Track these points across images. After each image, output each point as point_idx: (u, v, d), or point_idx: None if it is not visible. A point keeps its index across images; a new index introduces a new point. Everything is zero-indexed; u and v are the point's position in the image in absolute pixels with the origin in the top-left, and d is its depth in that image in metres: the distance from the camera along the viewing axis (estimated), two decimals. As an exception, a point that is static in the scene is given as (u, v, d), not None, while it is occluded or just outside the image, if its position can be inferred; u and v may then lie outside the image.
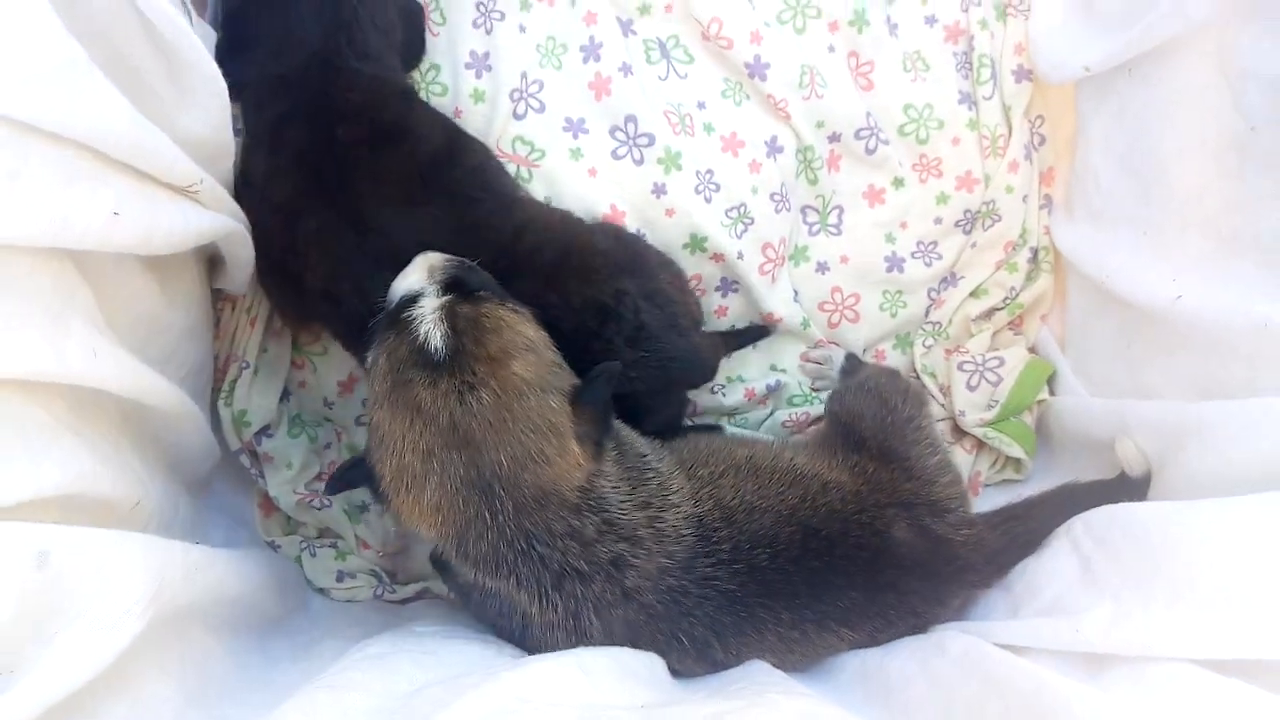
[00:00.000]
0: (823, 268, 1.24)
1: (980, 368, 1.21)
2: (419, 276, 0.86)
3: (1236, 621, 0.74)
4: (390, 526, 1.13)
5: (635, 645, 0.87)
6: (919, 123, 1.23)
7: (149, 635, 0.66)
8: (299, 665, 0.85)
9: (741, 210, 1.17)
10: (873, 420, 1.02)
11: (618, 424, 0.94)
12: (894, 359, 1.26)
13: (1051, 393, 1.20)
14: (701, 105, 1.17)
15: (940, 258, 1.25)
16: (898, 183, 1.24)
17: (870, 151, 1.21)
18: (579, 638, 0.85)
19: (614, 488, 0.87)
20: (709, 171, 1.15)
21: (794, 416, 1.22)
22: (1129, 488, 0.99)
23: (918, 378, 1.24)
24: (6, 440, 0.59)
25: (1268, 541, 0.74)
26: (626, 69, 1.13)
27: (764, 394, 1.21)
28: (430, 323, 0.82)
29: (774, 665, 0.91)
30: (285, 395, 1.16)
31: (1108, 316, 1.11)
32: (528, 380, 0.82)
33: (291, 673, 0.83)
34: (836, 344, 1.24)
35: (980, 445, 1.21)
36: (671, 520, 0.89)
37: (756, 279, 1.18)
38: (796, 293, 1.23)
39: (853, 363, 1.19)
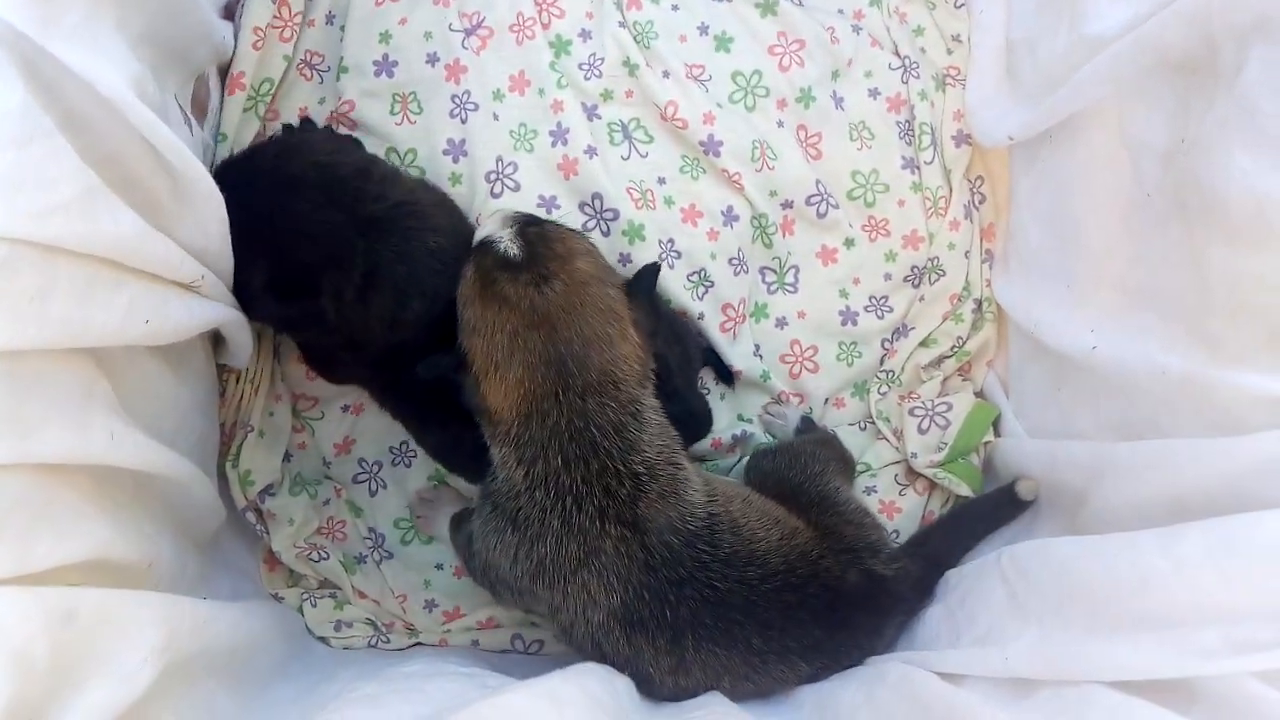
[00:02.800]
0: (782, 323, 1.33)
1: (930, 412, 1.30)
2: (494, 222, 1.04)
3: (1143, 645, 0.82)
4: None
5: (629, 592, 0.96)
6: (866, 187, 1.34)
7: (162, 682, 0.75)
8: (298, 707, 0.94)
9: (702, 274, 1.27)
10: (798, 478, 1.14)
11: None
12: (853, 406, 1.35)
13: (997, 434, 1.29)
14: (662, 180, 1.27)
15: (891, 310, 1.35)
16: (849, 243, 1.34)
17: (821, 215, 1.32)
18: (589, 555, 0.96)
19: (653, 441, 1.00)
20: (670, 240, 1.26)
21: (760, 463, 1.31)
22: (1014, 505, 1.17)
23: (874, 423, 1.33)
24: (39, 515, 0.68)
25: (1167, 571, 0.82)
26: (591, 150, 1.24)
27: (731, 443, 1.30)
28: (508, 238, 1.00)
29: (727, 689, 1.00)
30: (287, 456, 1.25)
31: (1040, 363, 1.20)
32: (590, 273, 1.00)
33: (292, 714, 0.92)
34: (800, 396, 1.33)
35: (932, 485, 1.30)
36: (687, 498, 1.00)
37: (718, 336, 1.28)
38: (758, 347, 1.32)
39: (806, 424, 1.29)
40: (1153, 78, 0.99)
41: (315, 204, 1.00)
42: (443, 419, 1.11)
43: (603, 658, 1.01)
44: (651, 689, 1.02)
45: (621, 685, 0.99)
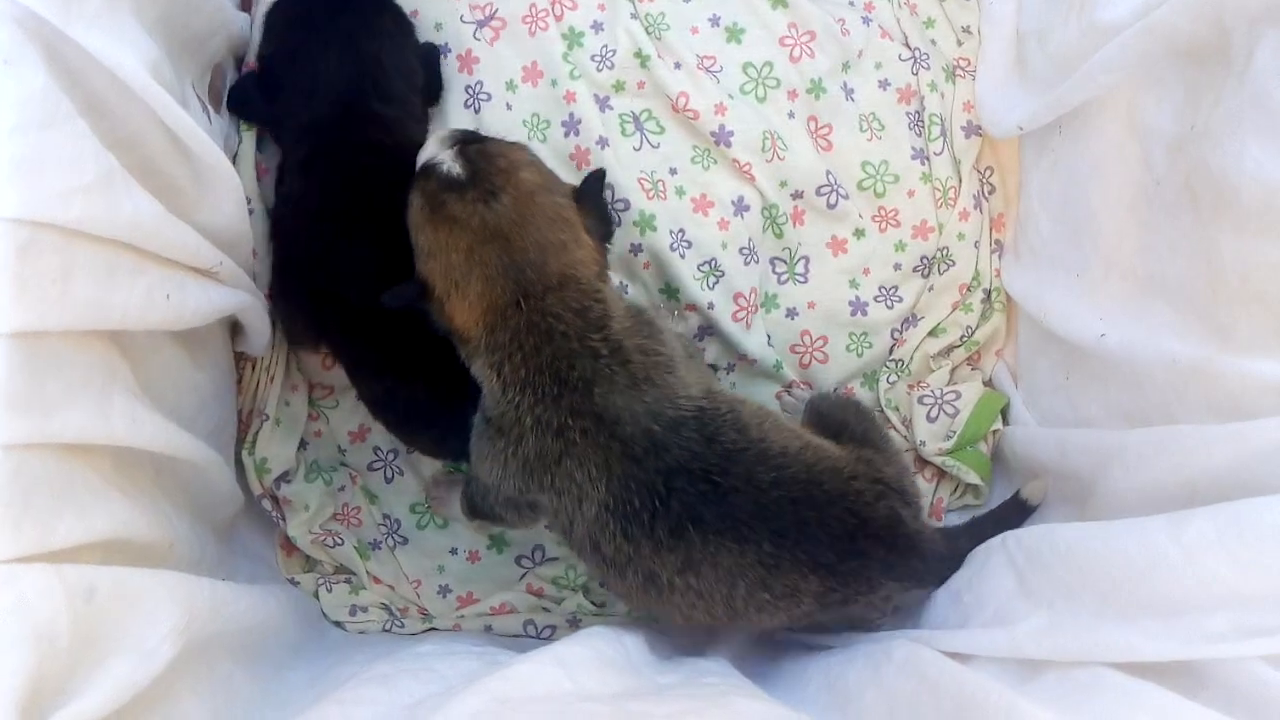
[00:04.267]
0: (792, 313, 1.34)
1: (939, 401, 1.31)
2: (434, 144, 1.05)
3: (1151, 629, 0.83)
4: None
5: (614, 482, 0.96)
6: (876, 178, 1.34)
7: (181, 661, 0.77)
8: (314, 688, 0.95)
9: (713, 264, 1.28)
10: (852, 416, 1.15)
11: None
12: (862, 395, 1.36)
13: (1005, 423, 1.30)
14: (673, 171, 1.28)
15: (901, 300, 1.35)
16: (859, 233, 1.34)
17: (831, 206, 1.32)
18: (566, 446, 0.97)
19: (620, 323, 1.00)
20: (681, 230, 1.26)
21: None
22: (1022, 511, 1.16)
23: (882, 411, 1.33)
24: (62, 494, 0.70)
25: (1176, 556, 0.82)
26: (603, 141, 1.25)
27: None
28: (449, 159, 1.00)
29: (742, 598, 0.99)
30: (303, 444, 1.27)
31: (1049, 352, 1.21)
32: (536, 183, 1.01)
33: (307, 694, 0.93)
34: (809, 386, 1.34)
35: (940, 474, 1.30)
36: (666, 385, 0.99)
37: (731, 325, 1.29)
38: (769, 337, 1.33)
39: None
40: (1163, 66, 0.99)
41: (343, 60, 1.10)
42: (378, 370, 1.13)
43: (602, 559, 1.00)
44: (663, 596, 1.00)
45: (630, 641, 0.99)
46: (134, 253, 0.78)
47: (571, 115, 1.25)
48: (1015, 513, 1.17)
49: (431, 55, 1.24)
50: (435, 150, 1.03)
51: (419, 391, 1.12)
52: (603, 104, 1.27)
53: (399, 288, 1.01)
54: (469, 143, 1.04)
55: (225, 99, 1.16)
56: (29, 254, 0.66)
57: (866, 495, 1.03)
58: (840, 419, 1.15)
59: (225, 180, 0.93)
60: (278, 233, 1.16)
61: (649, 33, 1.28)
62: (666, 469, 0.96)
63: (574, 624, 1.21)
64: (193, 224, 0.88)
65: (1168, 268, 0.99)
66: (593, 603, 1.24)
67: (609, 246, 1.06)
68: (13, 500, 0.65)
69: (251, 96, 1.16)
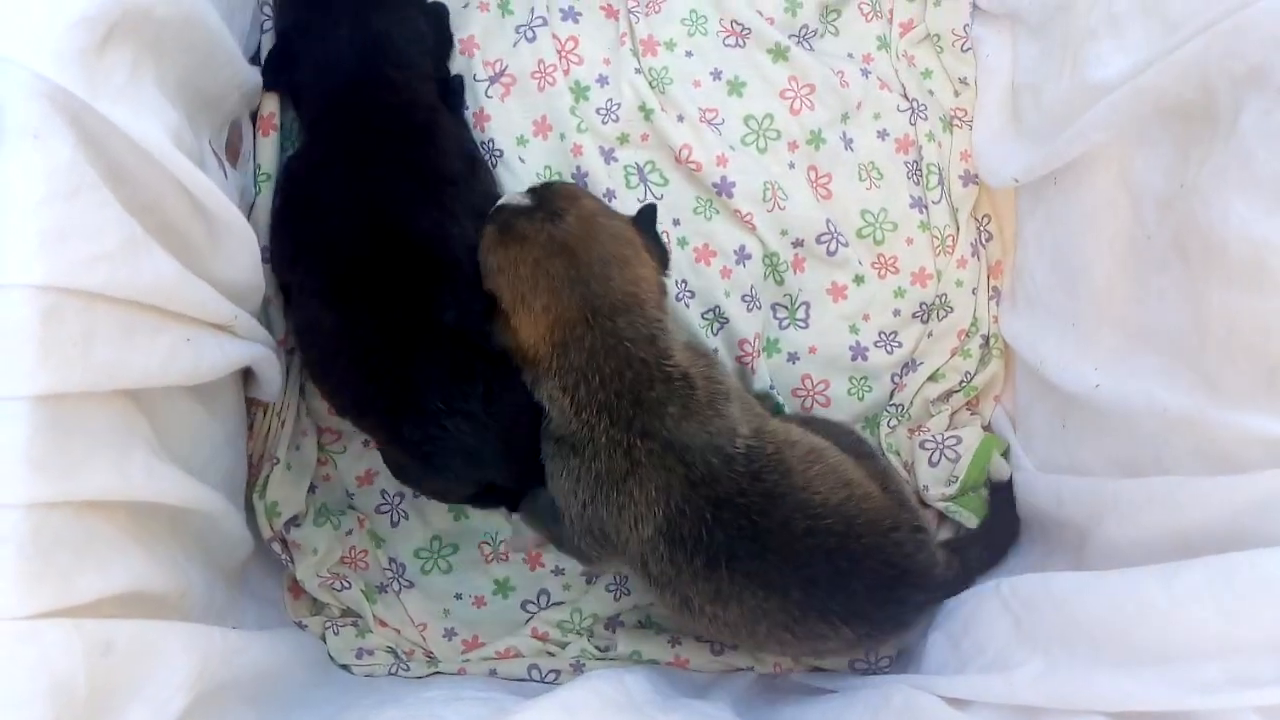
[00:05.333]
0: (793, 358, 1.36)
1: (940, 445, 1.32)
2: (506, 197, 1.11)
3: (1145, 678, 0.84)
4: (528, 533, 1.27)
5: (671, 506, 0.99)
6: (875, 226, 1.37)
7: (193, 710, 0.79)
8: (322, 734, 0.97)
9: (716, 311, 1.30)
10: (842, 437, 1.19)
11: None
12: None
13: (1005, 468, 1.31)
14: (676, 221, 1.31)
15: (900, 346, 1.37)
16: (858, 280, 1.37)
17: (831, 253, 1.35)
18: (633, 466, 1.00)
19: (682, 353, 1.06)
20: (684, 281, 1.29)
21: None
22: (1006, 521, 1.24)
23: (884, 455, 1.35)
24: (81, 550, 0.72)
25: (1167, 606, 0.84)
26: (610, 194, 1.28)
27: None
28: (515, 195, 1.09)
29: (763, 636, 1.03)
30: (312, 488, 1.29)
31: (1046, 399, 1.23)
32: (598, 209, 1.08)
33: (316, 740, 0.95)
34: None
35: (941, 517, 1.32)
36: (727, 417, 1.03)
37: (734, 369, 1.31)
38: (772, 381, 1.35)
39: None
40: (1152, 124, 1.01)
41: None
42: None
43: (648, 577, 1.04)
44: (695, 619, 1.04)
45: (632, 681, 1.01)
46: (153, 312, 0.81)
47: (579, 168, 1.28)
48: (1002, 525, 1.22)
49: (440, 14, 1.30)
50: (508, 195, 1.10)
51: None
52: (608, 156, 1.30)
53: (466, 304, 1.05)
54: (539, 187, 1.11)
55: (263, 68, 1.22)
56: (53, 319, 0.69)
57: (907, 547, 1.06)
58: (863, 453, 1.18)
59: (240, 235, 0.96)
60: (281, 183, 1.19)
61: (653, 86, 1.31)
62: (716, 499, 1.00)
63: (577, 668, 1.23)
64: (209, 279, 0.91)
65: (1158, 320, 1.01)
66: (596, 647, 1.25)
67: (667, 274, 1.10)
68: (35, 558, 0.67)
69: (278, 71, 1.21)
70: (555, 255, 1.02)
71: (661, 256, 1.10)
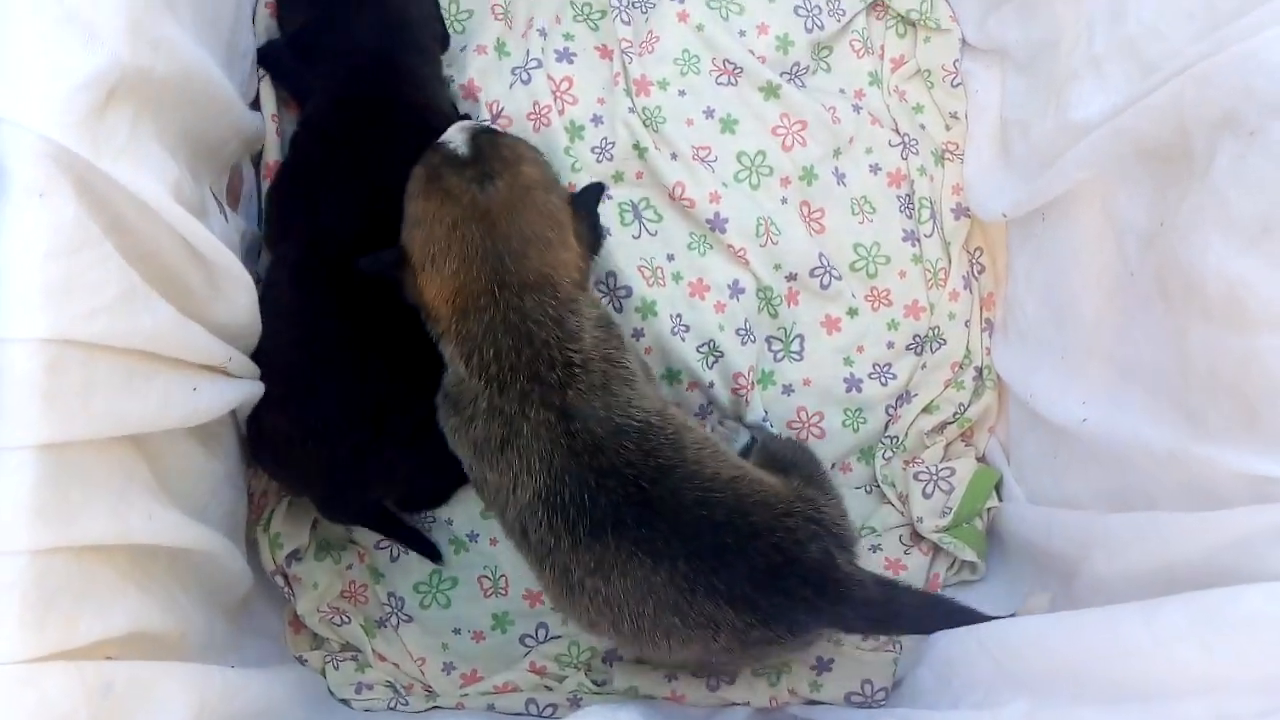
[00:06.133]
0: (788, 390, 1.38)
1: (934, 477, 1.33)
2: (454, 129, 1.08)
3: (1130, 715, 0.85)
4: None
5: (551, 475, 0.98)
6: (868, 259, 1.39)
7: (192, 749, 0.80)
8: (322, 769, 0.99)
9: (711, 345, 1.32)
10: (801, 458, 1.16)
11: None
12: (859, 470, 1.39)
13: (999, 499, 1.32)
14: (670, 257, 1.33)
15: (895, 378, 1.39)
16: (852, 312, 1.38)
17: (825, 287, 1.37)
18: (511, 435, 0.99)
19: (591, 334, 1.03)
20: (679, 315, 1.31)
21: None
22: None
23: (879, 487, 1.36)
24: (82, 595, 0.74)
25: (1149, 644, 0.85)
26: (605, 232, 1.30)
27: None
28: (460, 140, 1.05)
29: (649, 619, 0.98)
30: (314, 523, 1.31)
31: (1037, 431, 1.24)
32: (535, 179, 1.04)
33: (314, 777, 0.96)
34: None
35: (936, 549, 1.33)
36: (621, 395, 1.02)
37: (730, 403, 1.33)
38: (766, 413, 1.37)
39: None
40: (1133, 164, 1.03)
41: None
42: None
43: (528, 547, 1.02)
44: (573, 597, 1.00)
45: (627, 716, 1.01)
46: (149, 359, 0.83)
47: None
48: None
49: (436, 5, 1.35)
50: (452, 134, 1.07)
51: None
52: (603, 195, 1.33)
53: (378, 252, 1.04)
54: (484, 132, 1.09)
55: (256, 59, 1.26)
56: (55, 370, 0.71)
57: (799, 534, 1.00)
58: (790, 459, 1.15)
59: (238, 280, 0.99)
60: (278, 177, 1.23)
61: (646, 125, 1.34)
62: (600, 468, 0.98)
63: (575, 703, 1.24)
64: (205, 322, 0.93)
65: (1143, 355, 1.03)
66: (593, 682, 1.26)
67: (595, 258, 1.09)
68: (37, 603, 0.70)
69: (284, 60, 1.25)
70: (474, 221, 1.00)
71: (594, 240, 1.08)
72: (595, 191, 1.11)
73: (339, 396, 1.09)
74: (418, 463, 1.17)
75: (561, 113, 1.33)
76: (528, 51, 1.35)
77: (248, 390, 1.04)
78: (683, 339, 1.31)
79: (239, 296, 0.99)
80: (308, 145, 1.20)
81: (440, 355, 1.07)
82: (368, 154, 1.14)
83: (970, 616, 1.07)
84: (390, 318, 1.08)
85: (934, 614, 1.09)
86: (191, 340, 0.88)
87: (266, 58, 1.27)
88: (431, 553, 1.27)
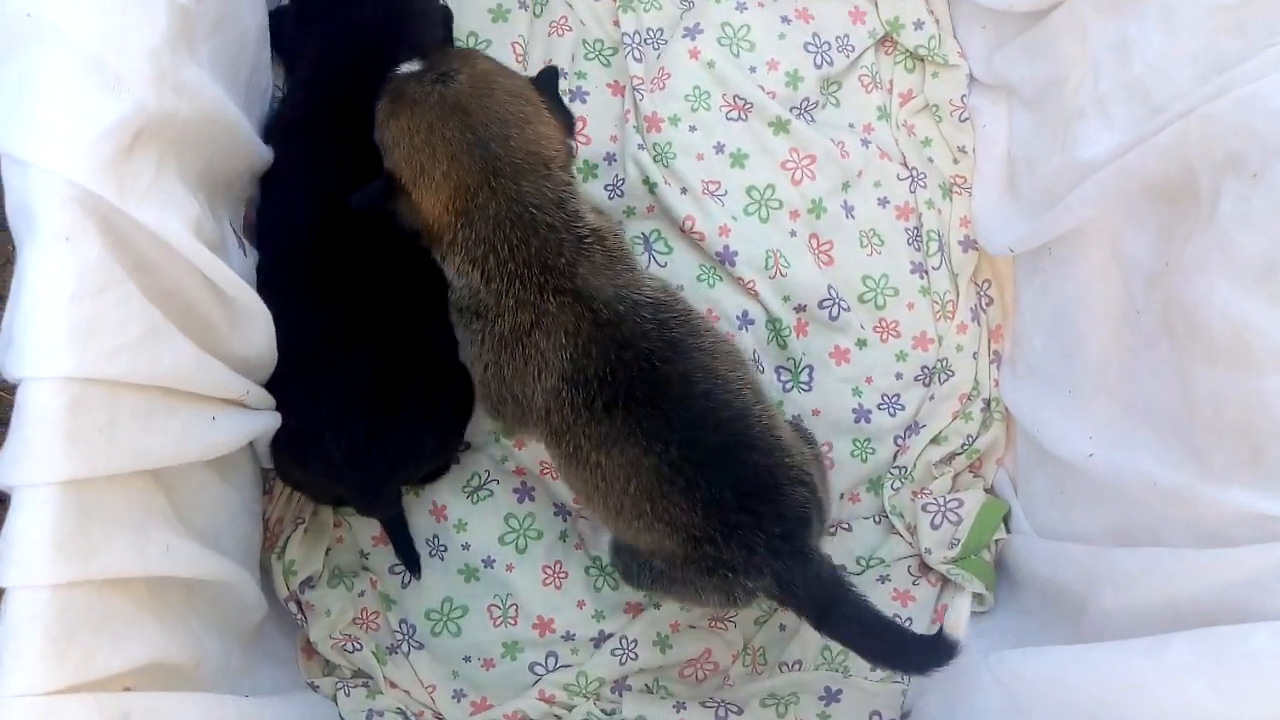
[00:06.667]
0: (798, 420, 1.39)
1: (943, 508, 1.34)
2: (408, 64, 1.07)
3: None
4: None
5: (578, 347, 0.99)
6: (876, 291, 1.40)
7: (207, 779, 0.82)
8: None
9: (721, 375, 1.33)
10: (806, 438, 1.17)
11: None
12: (867, 501, 1.40)
13: (1008, 530, 1.33)
14: (680, 288, 1.35)
15: (903, 408, 1.40)
16: (861, 343, 1.40)
17: (833, 318, 1.38)
18: (539, 317, 1.00)
19: (591, 214, 1.05)
20: (688, 344, 1.33)
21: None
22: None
23: (888, 518, 1.37)
24: (101, 627, 0.75)
25: (1157, 679, 0.86)
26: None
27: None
28: (414, 61, 1.05)
29: (628, 502, 1.00)
30: (327, 550, 1.32)
31: (1044, 464, 1.25)
32: (493, 69, 1.05)
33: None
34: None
35: (945, 581, 1.33)
36: (634, 269, 1.05)
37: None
38: (776, 443, 1.38)
39: None
40: (1139, 203, 1.05)
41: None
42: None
43: (550, 432, 1.04)
44: (580, 469, 1.02)
45: None
46: (170, 394, 0.85)
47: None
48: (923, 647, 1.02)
49: (448, 16, 1.34)
50: (401, 67, 1.07)
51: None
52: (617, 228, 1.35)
53: (366, 186, 1.03)
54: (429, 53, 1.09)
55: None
56: (79, 409, 0.73)
57: (794, 474, 1.01)
58: (801, 429, 1.17)
59: (256, 315, 1.00)
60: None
61: (656, 160, 1.35)
62: (621, 339, 0.99)
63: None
64: (224, 356, 0.95)
65: (1149, 393, 1.04)
66: (602, 711, 1.27)
67: (572, 138, 1.09)
68: (58, 636, 0.71)
69: (285, 28, 1.25)
70: (449, 117, 0.99)
71: (565, 119, 1.08)
72: (551, 75, 1.09)
73: (341, 384, 1.10)
74: (439, 434, 1.19)
75: (575, 154, 1.35)
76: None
77: (265, 421, 1.05)
78: (693, 369, 1.32)
79: (257, 330, 1.01)
80: (282, 143, 1.19)
81: (443, 287, 1.08)
82: (340, 147, 1.13)
83: (914, 661, 1.01)
84: (374, 297, 1.10)
85: (874, 636, 1.02)
86: (211, 375, 0.90)
87: (272, 21, 1.27)
88: (414, 565, 1.28)
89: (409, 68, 1.04)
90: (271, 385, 1.09)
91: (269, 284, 1.10)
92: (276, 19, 1.26)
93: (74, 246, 0.72)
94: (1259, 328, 0.87)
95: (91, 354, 0.74)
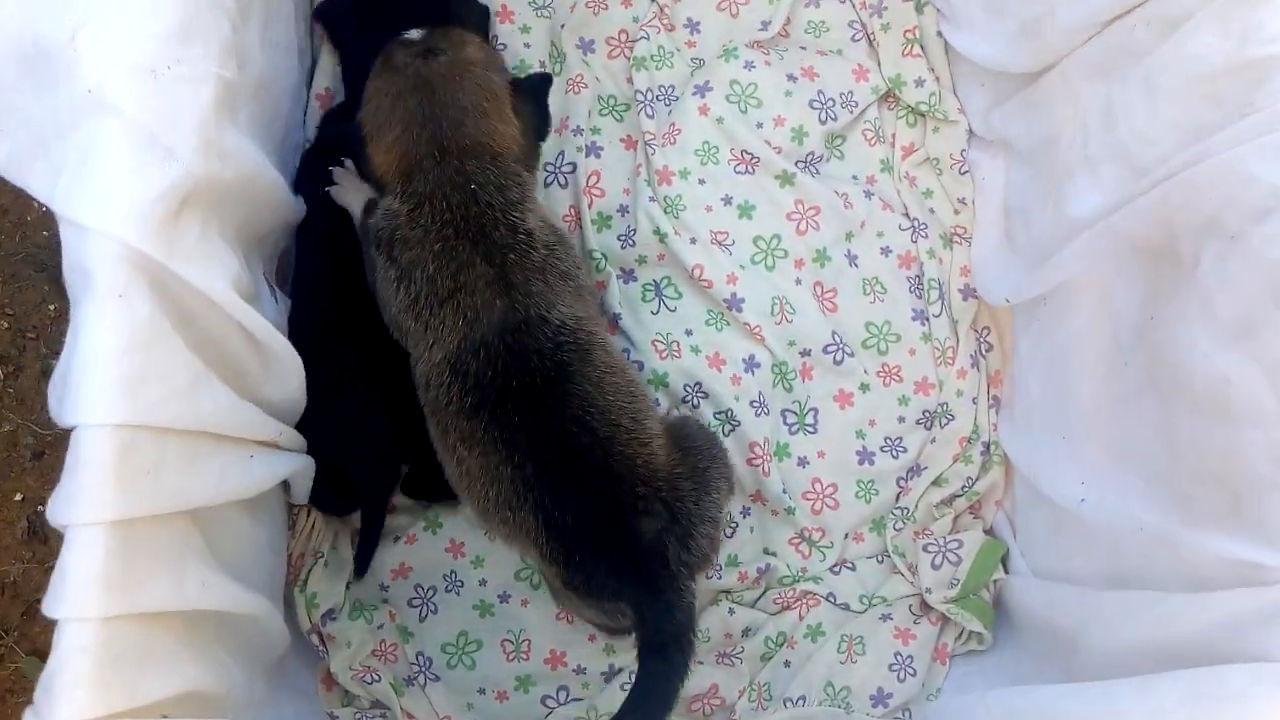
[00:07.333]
0: (803, 462, 1.43)
1: (943, 549, 1.38)
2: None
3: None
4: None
5: (473, 331, 1.03)
6: (879, 337, 1.45)
7: (235, 804, 0.87)
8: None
9: (728, 414, 1.38)
10: (702, 445, 1.16)
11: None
12: (871, 540, 1.44)
13: (1006, 571, 1.37)
14: (689, 332, 1.40)
15: (905, 451, 1.44)
16: (864, 388, 1.45)
17: (838, 363, 1.43)
18: (458, 288, 1.04)
19: (536, 219, 1.10)
20: (697, 384, 1.38)
21: (783, 595, 1.39)
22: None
23: (890, 558, 1.41)
24: (144, 658, 0.81)
25: (1142, 718, 0.89)
26: (615, 318, 1.39)
27: (756, 575, 1.39)
28: (414, 30, 1.11)
29: (493, 508, 1.04)
30: (348, 584, 1.37)
31: (1040, 507, 1.29)
32: (479, 58, 1.10)
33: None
34: (822, 530, 1.41)
35: (945, 620, 1.37)
36: (556, 287, 1.08)
37: (745, 470, 1.39)
38: (784, 484, 1.42)
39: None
40: (1127, 259, 1.09)
41: None
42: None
43: (423, 401, 1.09)
44: (445, 454, 1.07)
45: None
46: (210, 438, 0.91)
47: (602, 301, 1.39)
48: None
49: (484, 13, 1.40)
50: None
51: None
52: (628, 276, 1.41)
53: (341, 125, 1.13)
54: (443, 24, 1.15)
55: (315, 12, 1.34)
56: (129, 454, 0.79)
57: (643, 505, 1.02)
58: (694, 445, 1.15)
59: (288, 363, 1.06)
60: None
61: (667, 212, 1.41)
62: (509, 349, 1.02)
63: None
64: (259, 402, 1.01)
65: (1136, 441, 1.08)
66: (611, 742, 1.31)
67: (539, 142, 1.14)
68: (105, 666, 0.76)
69: (343, 20, 1.32)
70: (414, 92, 1.06)
71: (539, 125, 1.13)
72: (541, 82, 1.16)
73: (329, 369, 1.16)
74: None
75: (590, 206, 1.42)
76: (562, 152, 1.44)
77: (296, 462, 1.11)
78: (697, 405, 1.37)
79: (289, 377, 1.07)
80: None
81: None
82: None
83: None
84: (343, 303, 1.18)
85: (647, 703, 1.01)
86: (247, 419, 0.96)
87: (326, 14, 1.34)
88: (364, 565, 1.31)
89: (411, 35, 1.12)
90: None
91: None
92: (332, 10, 1.33)
93: (127, 303, 0.79)
94: (1237, 383, 0.91)
95: (141, 403, 0.80)
